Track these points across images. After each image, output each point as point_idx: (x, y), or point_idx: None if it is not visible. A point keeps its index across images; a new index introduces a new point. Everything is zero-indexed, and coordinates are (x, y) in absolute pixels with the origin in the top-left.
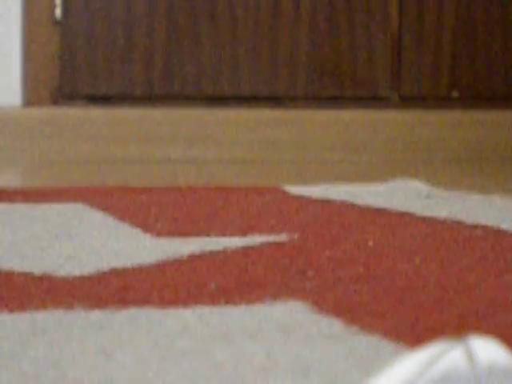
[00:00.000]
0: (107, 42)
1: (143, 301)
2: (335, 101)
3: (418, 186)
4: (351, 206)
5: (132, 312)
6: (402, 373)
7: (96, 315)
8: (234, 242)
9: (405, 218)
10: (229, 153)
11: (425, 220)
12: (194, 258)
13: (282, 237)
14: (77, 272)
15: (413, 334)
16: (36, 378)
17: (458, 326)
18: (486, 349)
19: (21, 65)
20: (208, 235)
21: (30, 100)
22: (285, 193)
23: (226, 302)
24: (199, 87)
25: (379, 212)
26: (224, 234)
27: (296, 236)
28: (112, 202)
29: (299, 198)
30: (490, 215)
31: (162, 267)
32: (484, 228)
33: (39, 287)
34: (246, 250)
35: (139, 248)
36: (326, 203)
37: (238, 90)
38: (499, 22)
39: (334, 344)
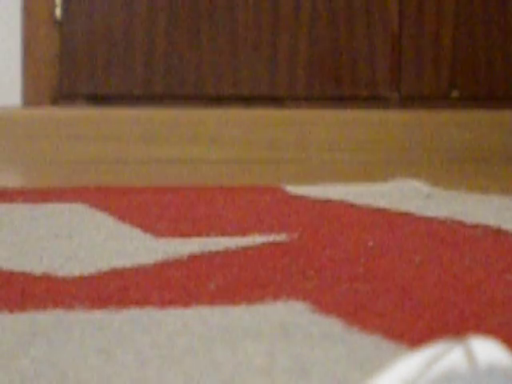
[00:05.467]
0: (107, 42)
1: (143, 301)
2: (335, 101)
3: (417, 185)
4: (351, 206)
5: (132, 312)
6: (402, 373)
7: (96, 315)
8: (234, 242)
9: (405, 218)
10: (229, 153)
11: (425, 220)
12: (193, 258)
13: (282, 237)
14: (77, 272)
15: (413, 334)
16: (36, 378)
17: (458, 326)
18: (486, 349)
19: (21, 65)
20: (208, 235)
21: (29, 100)
22: (285, 193)
23: (226, 302)
24: (199, 87)
25: (379, 212)
26: (224, 234)
27: (296, 236)
28: (112, 202)
29: (299, 198)
30: (490, 215)
31: (161, 267)
32: (484, 228)
33: (39, 287)
34: (245, 250)
35: (139, 248)
36: (326, 203)
37: (238, 90)
38: (499, 21)
39: (334, 344)
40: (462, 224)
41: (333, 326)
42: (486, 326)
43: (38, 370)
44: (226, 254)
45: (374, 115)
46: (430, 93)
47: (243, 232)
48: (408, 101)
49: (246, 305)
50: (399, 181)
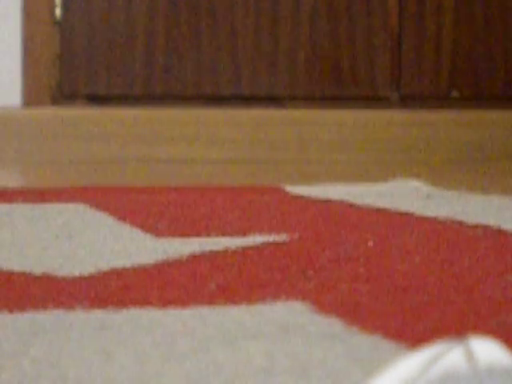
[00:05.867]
0: (107, 41)
1: (143, 301)
2: (335, 101)
3: (418, 186)
4: (351, 206)
5: (132, 312)
6: (402, 373)
7: (96, 315)
8: (234, 242)
9: (405, 218)
10: (229, 153)
11: (425, 220)
12: (193, 258)
13: (282, 237)
14: (77, 272)
15: (413, 334)
16: (36, 378)
17: (458, 326)
18: (486, 349)
19: (21, 65)
20: (208, 235)
21: (29, 100)
22: (285, 193)
23: (226, 302)
24: (199, 87)
25: (379, 212)
26: (224, 234)
27: (296, 236)
28: (112, 202)
29: (299, 198)
30: (489, 215)
31: (161, 267)
32: (484, 228)
33: (39, 287)
34: (245, 250)
35: (139, 248)
36: (325, 203)
37: (238, 90)
38: (499, 21)
39: (333, 344)
40: (461, 224)
41: (333, 325)
42: (485, 326)
43: (38, 369)
44: (226, 254)
45: (374, 115)
46: (429, 93)
47: (243, 232)
48: (408, 101)
49: (246, 305)
50: (399, 181)
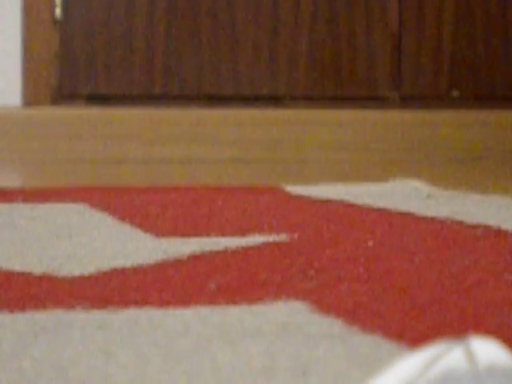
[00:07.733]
0: (107, 42)
1: (143, 301)
2: (335, 101)
3: (418, 185)
4: (351, 206)
5: (132, 312)
6: (402, 373)
7: (96, 315)
8: (234, 242)
9: (405, 218)
10: (229, 153)
11: (425, 220)
12: (193, 258)
13: (282, 237)
14: (77, 272)
15: (413, 334)
16: (36, 378)
17: (458, 326)
18: (486, 349)
19: (21, 65)
20: (208, 235)
21: (29, 100)
22: (285, 193)
23: (226, 302)
24: (199, 87)
25: (379, 212)
26: (224, 234)
27: (296, 236)
28: (112, 202)
29: (299, 198)
30: (489, 215)
31: (162, 267)
32: (484, 228)
33: (39, 287)
34: (245, 250)
35: (139, 248)
36: (325, 203)
37: (238, 90)
38: (499, 21)
39: (333, 344)
40: (461, 224)
41: (333, 325)
42: (485, 326)
43: (39, 370)
44: (226, 254)
45: (374, 115)
46: (429, 93)
47: (243, 232)
48: (408, 101)
49: (246, 305)
50: (399, 181)
